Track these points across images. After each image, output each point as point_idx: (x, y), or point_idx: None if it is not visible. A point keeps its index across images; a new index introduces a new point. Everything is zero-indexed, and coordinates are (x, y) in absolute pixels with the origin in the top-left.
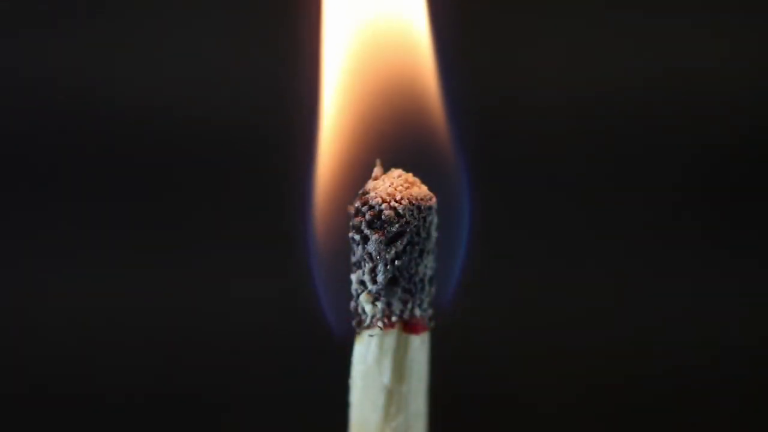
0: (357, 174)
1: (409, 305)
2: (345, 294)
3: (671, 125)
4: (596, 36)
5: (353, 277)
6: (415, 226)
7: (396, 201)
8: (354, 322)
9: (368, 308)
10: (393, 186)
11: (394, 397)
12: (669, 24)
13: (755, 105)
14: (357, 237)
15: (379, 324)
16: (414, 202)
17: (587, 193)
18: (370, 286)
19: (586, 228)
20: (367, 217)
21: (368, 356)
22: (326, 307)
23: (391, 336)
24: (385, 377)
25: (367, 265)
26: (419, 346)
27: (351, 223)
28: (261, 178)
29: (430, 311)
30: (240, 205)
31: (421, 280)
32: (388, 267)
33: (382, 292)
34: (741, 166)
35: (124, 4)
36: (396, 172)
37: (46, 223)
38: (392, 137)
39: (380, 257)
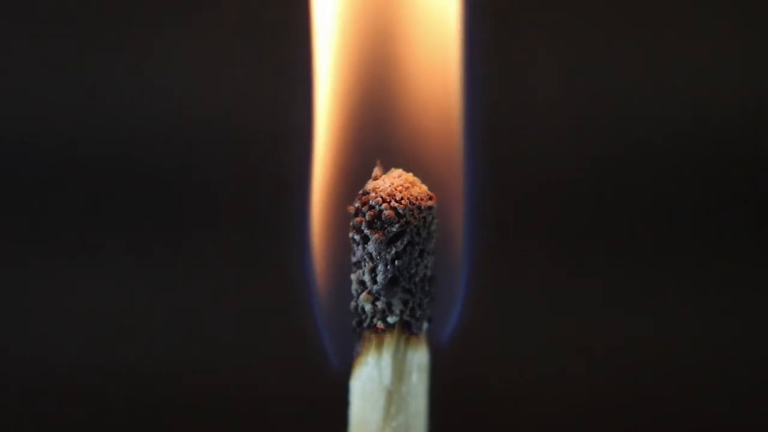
0: (357, 175)
1: (409, 305)
2: (343, 320)
3: (682, 140)
4: (606, 47)
5: (353, 277)
6: (415, 226)
7: (396, 201)
8: (354, 322)
9: (368, 308)
10: (393, 186)
11: (394, 397)
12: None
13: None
14: (357, 237)
15: (380, 324)
16: (414, 202)
17: (595, 212)
18: (370, 286)
19: (593, 244)
20: (367, 217)
21: (368, 357)
22: (325, 334)
23: (391, 336)
24: (386, 378)
25: (367, 265)
26: (419, 346)
27: (351, 223)
28: (259, 194)
29: (429, 312)
30: (238, 221)
31: (422, 280)
32: (388, 267)
33: (382, 292)
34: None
35: (118, 10)
36: (396, 172)
37: (45, 235)
38: (394, 137)
39: (380, 257)
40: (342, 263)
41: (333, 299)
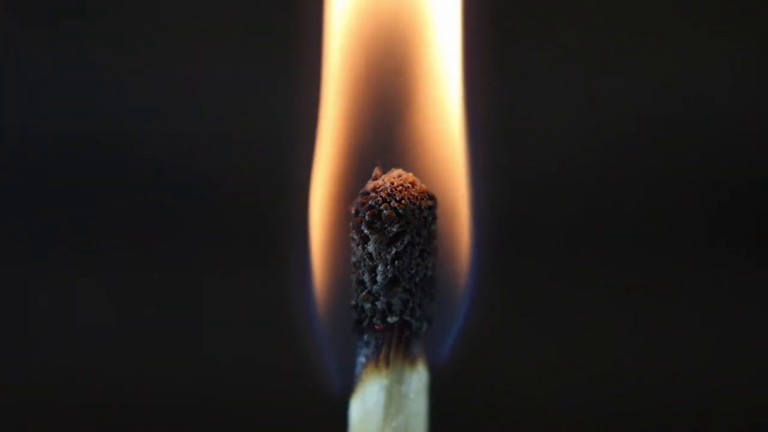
0: (357, 175)
1: (409, 305)
2: (343, 330)
3: (687, 147)
4: (607, 54)
5: (353, 277)
6: (415, 226)
7: (396, 201)
8: (354, 322)
9: (368, 308)
10: (393, 186)
11: (394, 397)
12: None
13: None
14: (357, 237)
15: (379, 324)
16: (414, 202)
17: (600, 223)
18: (370, 286)
19: (598, 256)
20: (367, 217)
21: (368, 356)
22: (324, 346)
23: (391, 336)
24: (385, 377)
25: (367, 265)
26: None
27: (351, 223)
28: (259, 199)
29: (429, 312)
30: (235, 226)
31: (422, 281)
32: (388, 267)
33: (382, 293)
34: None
35: (118, 9)
36: (396, 172)
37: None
38: (396, 138)
39: (380, 257)
40: (342, 264)
41: (333, 305)
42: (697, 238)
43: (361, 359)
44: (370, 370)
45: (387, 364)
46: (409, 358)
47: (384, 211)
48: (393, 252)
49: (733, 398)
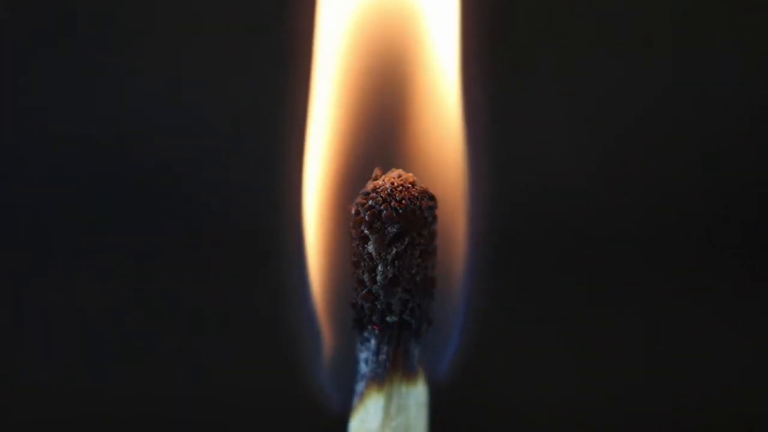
0: (357, 176)
1: (409, 305)
2: (344, 349)
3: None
4: (611, 60)
5: (353, 277)
6: (415, 227)
7: (396, 201)
8: (353, 320)
9: (367, 308)
10: (393, 186)
11: (394, 397)
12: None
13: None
14: (357, 237)
15: (378, 324)
16: (414, 202)
17: (603, 236)
18: (369, 286)
19: (602, 267)
20: (367, 217)
21: (368, 355)
22: (325, 378)
23: (391, 335)
24: (385, 378)
25: (367, 265)
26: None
27: (351, 224)
28: (259, 223)
29: (429, 313)
30: (236, 250)
31: (422, 281)
32: (388, 267)
33: (382, 293)
34: None
35: (117, 11)
36: (396, 172)
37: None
38: (396, 140)
39: (380, 257)
40: (342, 264)
41: (332, 308)
42: (698, 241)
43: (362, 359)
44: (371, 371)
45: (387, 364)
46: (409, 361)
47: (384, 212)
48: (393, 252)
49: (734, 399)
